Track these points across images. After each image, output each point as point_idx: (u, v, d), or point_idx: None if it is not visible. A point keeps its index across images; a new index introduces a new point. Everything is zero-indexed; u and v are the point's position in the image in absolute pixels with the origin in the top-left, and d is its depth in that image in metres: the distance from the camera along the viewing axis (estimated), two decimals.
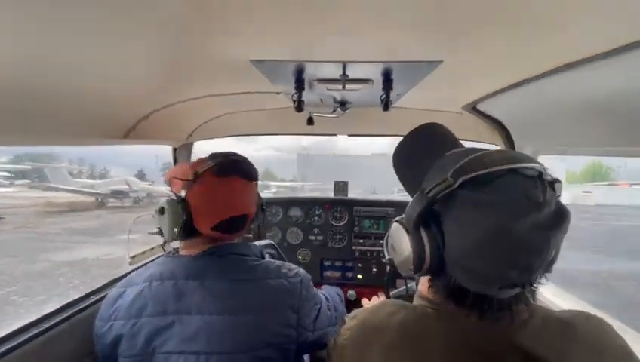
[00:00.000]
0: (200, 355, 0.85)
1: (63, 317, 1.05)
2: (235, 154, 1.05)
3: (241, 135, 2.00)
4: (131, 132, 1.33)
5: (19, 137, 0.98)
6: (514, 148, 1.54)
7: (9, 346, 0.89)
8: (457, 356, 0.56)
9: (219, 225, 0.95)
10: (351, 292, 2.02)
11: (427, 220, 0.58)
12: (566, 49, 0.79)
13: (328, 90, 1.17)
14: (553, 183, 0.54)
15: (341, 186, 2.24)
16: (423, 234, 0.58)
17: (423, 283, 0.69)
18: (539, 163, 0.55)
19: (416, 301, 0.69)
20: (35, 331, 0.97)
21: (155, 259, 1.62)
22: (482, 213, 0.52)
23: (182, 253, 1.02)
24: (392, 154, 0.79)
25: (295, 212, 2.19)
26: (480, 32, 0.73)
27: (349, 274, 2.12)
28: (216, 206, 0.96)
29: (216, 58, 0.94)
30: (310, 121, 1.48)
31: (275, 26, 0.73)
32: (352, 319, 0.67)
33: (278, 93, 1.31)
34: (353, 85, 1.09)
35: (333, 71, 1.01)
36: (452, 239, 0.56)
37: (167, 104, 1.31)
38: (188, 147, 1.86)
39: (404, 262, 0.63)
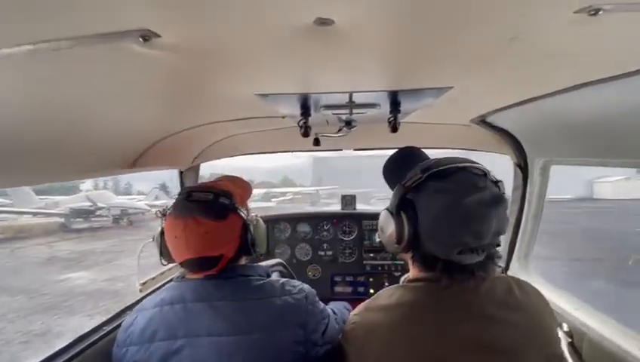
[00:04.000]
0: None
1: (77, 349, 1.06)
2: (202, 190, 0.99)
3: (247, 154, 2.01)
4: (138, 160, 1.35)
5: (33, 177, 1.01)
6: (525, 158, 1.49)
7: None
8: (441, 317, 0.73)
9: (185, 263, 0.96)
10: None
11: (405, 206, 0.77)
12: (575, 72, 0.78)
13: (334, 114, 1.17)
14: (497, 182, 0.77)
15: (348, 200, 2.22)
16: (403, 215, 0.77)
17: (409, 265, 0.86)
18: (483, 166, 0.77)
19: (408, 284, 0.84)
20: None
21: (166, 283, 1.65)
22: (441, 194, 0.73)
23: (189, 276, 1.02)
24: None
25: (303, 228, 2.17)
26: (491, 58, 0.73)
27: (361, 289, 2.09)
28: (175, 245, 0.96)
29: (221, 92, 0.95)
30: (316, 142, 1.48)
31: (279, 63, 0.73)
32: (357, 310, 0.85)
33: (283, 117, 1.31)
34: (360, 110, 1.09)
35: (340, 98, 1.01)
36: (422, 217, 0.75)
37: (172, 133, 1.33)
38: (195, 169, 1.87)
39: (389, 239, 0.81)
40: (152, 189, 27.49)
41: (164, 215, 0.99)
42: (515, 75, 0.85)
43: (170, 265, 1.70)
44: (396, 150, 1.00)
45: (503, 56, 0.71)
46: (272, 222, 2.16)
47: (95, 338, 1.13)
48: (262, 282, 1.00)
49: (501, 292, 0.76)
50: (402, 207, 0.77)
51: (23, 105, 0.75)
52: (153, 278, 1.58)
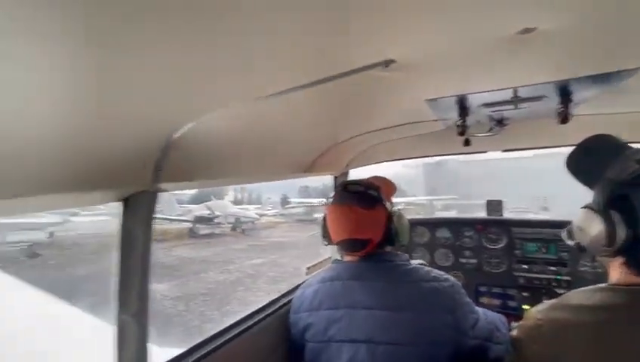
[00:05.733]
0: (369, 344, 1.02)
1: (264, 314, 1.32)
2: (355, 183, 1.18)
3: (394, 160, 2.12)
4: (310, 167, 1.66)
5: (238, 177, 1.33)
6: None
7: (228, 337, 1.14)
8: None
9: (340, 243, 1.14)
10: (515, 325, 1.82)
11: (618, 202, 0.66)
12: None
13: (494, 111, 1.19)
14: None
15: (494, 205, 2.09)
16: (613, 213, 0.66)
17: (614, 269, 0.74)
18: None
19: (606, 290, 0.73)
20: (245, 325, 1.23)
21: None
22: None
23: (345, 259, 1.23)
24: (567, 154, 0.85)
25: (443, 233, 2.16)
26: None
27: (512, 304, 1.92)
28: (333, 227, 1.15)
29: (393, 102, 1.08)
30: (467, 142, 1.50)
31: (448, 66, 0.80)
32: (537, 309, 0.77)
33: (435, 121, 1.39)
34: (524, 104, 1.08)
35: (503, 95, 1.02)
36: None
37: (338, 142, 1.58)
38: (345, 175, 2.12)
39: (595, 240, 0.70)
40: (266, 199, 29.82)
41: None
42: None
43: (325, 256, 1.99)
44: (585, 139, 0.88)
45: None
46: (410, 226, 2.20)
47: (276, 306, 1.40)
48: (409, 267, 1.12)
49: None
50: (613, 204, 0.67)
51: (259, 127, 1.03)
52: (315, 264, 1.87)
